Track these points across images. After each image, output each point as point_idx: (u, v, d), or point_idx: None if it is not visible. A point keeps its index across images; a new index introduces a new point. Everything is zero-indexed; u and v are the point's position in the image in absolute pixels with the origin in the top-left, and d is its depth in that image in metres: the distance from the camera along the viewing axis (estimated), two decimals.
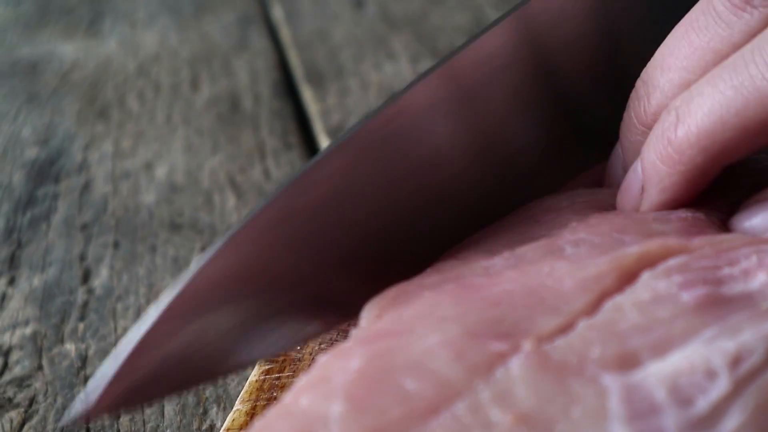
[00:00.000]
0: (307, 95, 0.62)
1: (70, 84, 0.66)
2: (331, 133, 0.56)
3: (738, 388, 0.22)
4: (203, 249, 0.46)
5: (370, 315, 0.26)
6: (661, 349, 0.23)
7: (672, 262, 0.26)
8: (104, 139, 0.58)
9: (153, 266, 0.45)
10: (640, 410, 0.22)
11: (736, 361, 0.22)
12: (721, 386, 0.22)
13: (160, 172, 0.53)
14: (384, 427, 0.22)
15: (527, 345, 0.23)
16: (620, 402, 0.22)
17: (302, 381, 0.24)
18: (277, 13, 0.78)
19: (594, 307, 0.25)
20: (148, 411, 0.36)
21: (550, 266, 0.26)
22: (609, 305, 0.25)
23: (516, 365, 0.23)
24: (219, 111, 0.61)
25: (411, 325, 0.25)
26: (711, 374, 0.22)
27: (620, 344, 0.23)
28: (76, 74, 0.68)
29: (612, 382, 0.22)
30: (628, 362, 0.23)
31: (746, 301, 0.24)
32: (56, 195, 0.52)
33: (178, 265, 0.45)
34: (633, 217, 0.29)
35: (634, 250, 0.26)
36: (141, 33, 0.75)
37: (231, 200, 0.50)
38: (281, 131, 0.58)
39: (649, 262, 0.25)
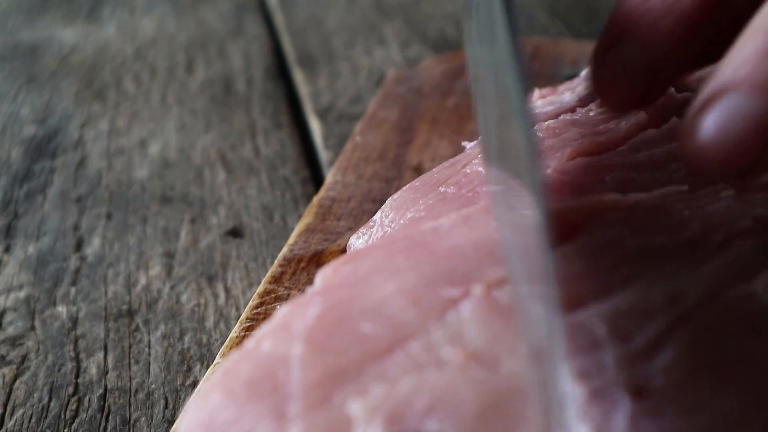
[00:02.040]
0: (299, 78, 0.64)
1: (69, 67, 0.68)
2: (321, 114, 0.57)
3: (673, 325, 0.23)
4: (192, 221, 0.47)
5: (324, 275, 0.27)
6: (604, 292, 0.25)
7: (611, 215, 0.27)
8: (100, 118, 0.59)
9: (143, 236, 0.46)
10: (583, 346, 0.23)
11: (672, 302, 0.24)
12: (657, 324, 0.23)
13: (154, 149, 0.55)
14: (342, 366, 0.24)
15: (477, 291, 0.25)
16: (564, 339, 0.23)
17: (263, 329, 0.26)
18: (273, 0, 0.80)
19: None
20: (134, 368, 0.37)
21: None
22: (556, 254, 0.26)
23: (467, 309, 0.25)
24: (212, 93, 0.62)
25: (367, 277, 0.26)
26: (649, 313, 0.24)
27: (566, 289, 0.25)
28: (75, 58, 0.69)
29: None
30: (572, 304, 0.24)
31: (681, 249, 0.26)
32: (52, 170, 0.53)
33: (168, 235, 0.46)
34: (568, 179, 0.31)
35: (572, 203, 0.27)
36: (139, 19, 0.77)
37: (221, 175, 0.51)
38: (272, 112, 0.59)
39: (589, 215, 0.27)
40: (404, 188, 0.35)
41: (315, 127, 0.56)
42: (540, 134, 0.35)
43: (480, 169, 0.33)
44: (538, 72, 0.56)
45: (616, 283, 0.25)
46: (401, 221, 0.33)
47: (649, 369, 0.23)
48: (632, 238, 0.26)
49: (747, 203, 0.28)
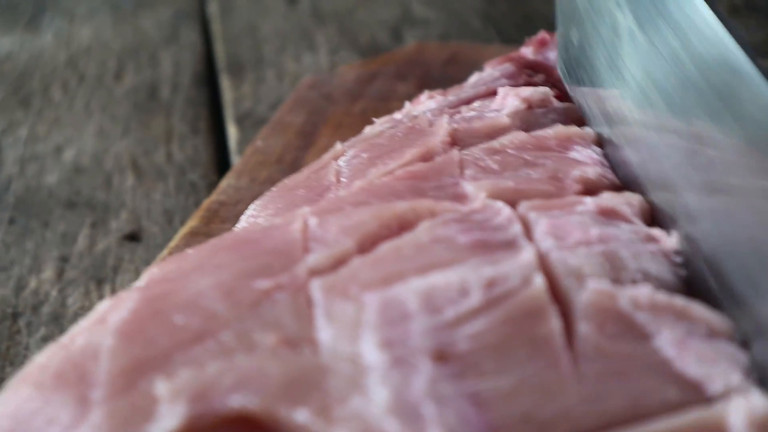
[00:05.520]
0: (225, 84, 0.64)
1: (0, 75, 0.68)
2: (239, 119, 0.58)
3: (489, 305, 0.24)
4: (93, 225, 0.47)
5: (151, 273, 0.28)
6: (425, 270, 0.25)
7: (449, 215, 0.28)
8: (21, 125, 0.60)
9: (42, 240, 0.46)
10: (392, 318, 0.24)
11: (491, 284, 0.24)
12: (471, 301, 0.24)
13: (68, 155, 0.55)
14: (150, 356, 0.24)
15: (295, 281, 0.26)
16: (375, 313, 0.24)
17: (80, 325, 0.26)
18: (213, 8, 0.80)
19: (368, 247, 0.27)
20: (8, 369, 0.37)
21: (322, 219, 0.28)
22: (385, 246, 0.27)
23: (283, 299, 0.25)
24: (136, 99, 0.63)
25: (188, 273, 0.27)
26: (464, 291, 0.24)
27: (388, 269, 0.25)
28: (7, 66, 0.70)
29: (371, 298, 0.25)
30: (390, 280, 0.25)
31: (508, 245, 0.27)
32: None
33: (66, 239, 0.46)
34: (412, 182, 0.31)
35: (400, 205, 0.28)
36: (78, 27, 0.77)
37: (129, 180, 0.52)
38: (192, 117, 0.59)
39: (415, 216, 0.28)
40: (263, 195, 0.35)
41: (232, 132, 0.56)
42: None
43: (332, 171, 0.34)
44: (452, 77, 0.56)
45: (440, 264, 0.25)
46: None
47: (453, 336, 0.23)
48: (469, 233, 0.27)
49: None
